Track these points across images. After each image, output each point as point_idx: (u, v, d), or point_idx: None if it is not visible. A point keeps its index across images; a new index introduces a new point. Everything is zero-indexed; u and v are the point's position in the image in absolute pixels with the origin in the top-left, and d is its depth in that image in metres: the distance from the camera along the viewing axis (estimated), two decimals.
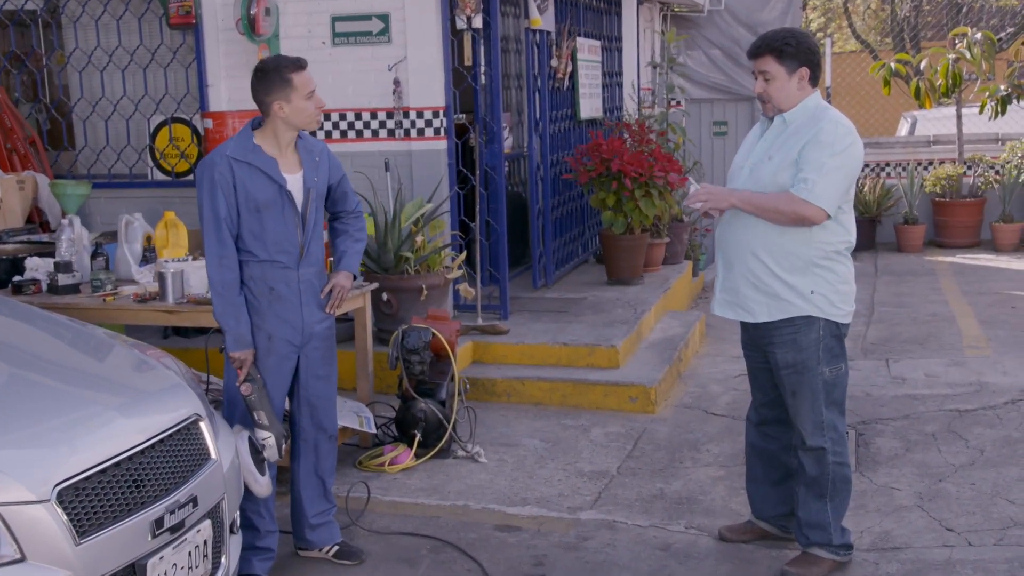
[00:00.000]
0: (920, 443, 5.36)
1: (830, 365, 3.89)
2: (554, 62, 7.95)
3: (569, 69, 8.22)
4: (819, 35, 21.49)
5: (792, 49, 3.79)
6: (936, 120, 12.91)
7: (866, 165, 12.19)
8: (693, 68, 11.78)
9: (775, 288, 3.85)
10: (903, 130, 14.04)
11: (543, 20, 7.46)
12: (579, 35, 8.43)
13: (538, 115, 7.80)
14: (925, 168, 12.07)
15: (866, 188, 11.87)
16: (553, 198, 8.06)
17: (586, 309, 7.26)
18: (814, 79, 3.84)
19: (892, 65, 11.31)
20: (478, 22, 6.65)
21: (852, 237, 3.89)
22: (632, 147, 8.05)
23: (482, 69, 7.00)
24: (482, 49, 6.95)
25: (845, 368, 3.94)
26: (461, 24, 6.68)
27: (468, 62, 6.95)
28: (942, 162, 11.98)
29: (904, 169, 12.00)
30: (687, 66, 11.46)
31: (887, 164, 12.26)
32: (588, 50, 8.66)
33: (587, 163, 7.85)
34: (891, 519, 4.45)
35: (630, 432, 5.66)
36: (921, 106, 11.59)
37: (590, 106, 8.78)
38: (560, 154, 8.24)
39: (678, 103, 10.56)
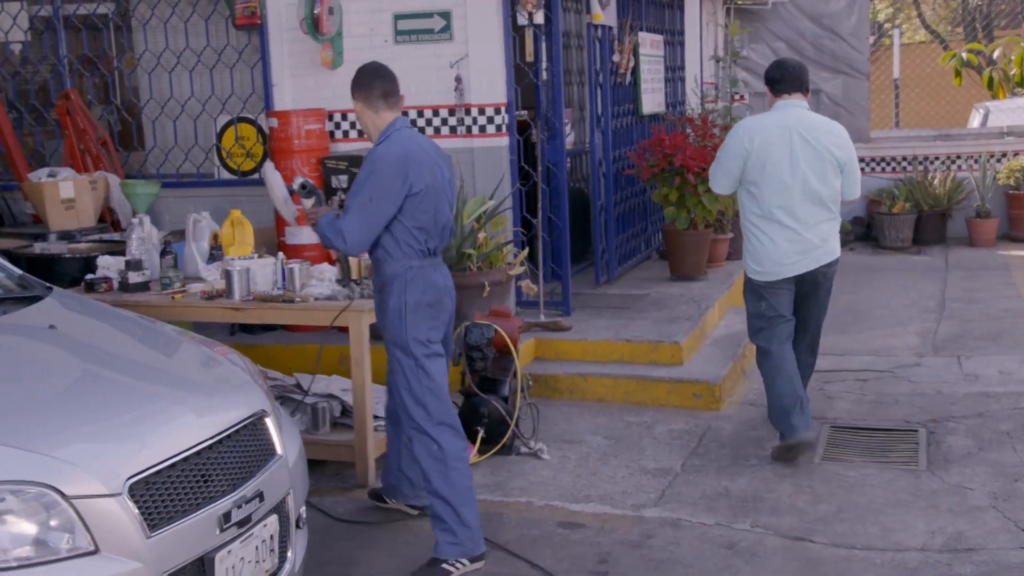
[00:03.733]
0: (994, 442, 5.23)
1: (751, 303, 5.22)
2: (616, 57, 7.90)
3: (631, 64, 8.17)
4: (887, 26, 21.09)
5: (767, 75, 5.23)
6: (1010, 111, 12.57)
7: (936, 158, 11.94)
8: (756, 61, 11.63)
9: None
10: (975, 122, 13.71)
11: (605, 15, 7.42)
12: (641, 30, 8.38)
13: (600, 111, 7.77)
14: (998, 160, 11.76)
15: (936, 181, 11.61)
16: (615, 194, 8.02)
17: (649, 305, 7.21)
18: (774, 91, 5.14)
19: (964, 55, 11.06)
20: (540, 18, 6.63)
21: (761, 210, 5.01)
22: (695, 142, 7.97)
23: (544, 65, 6.98)
24: (544, 45, 6.92)
25: (765, 307, 5.11)
26: (523, 20, 6.67)
27: (530, 58, 6.93)
28: (1016, 154, 11.66)
29: (976, 161, 11.71)
30: (750, 59, 11.32)
31: (958, 157, 11.97)
32: (650, 44, 8.59)
33: (649, 158, 7.79)
34: (964, 520, 4.35)
35: (694, 429, 5.60)
36: (994, 97, 11.32)
37: (652, 101, 8.72)
38: (622, 150, 8.19)
39: (741, 97, 10.43)
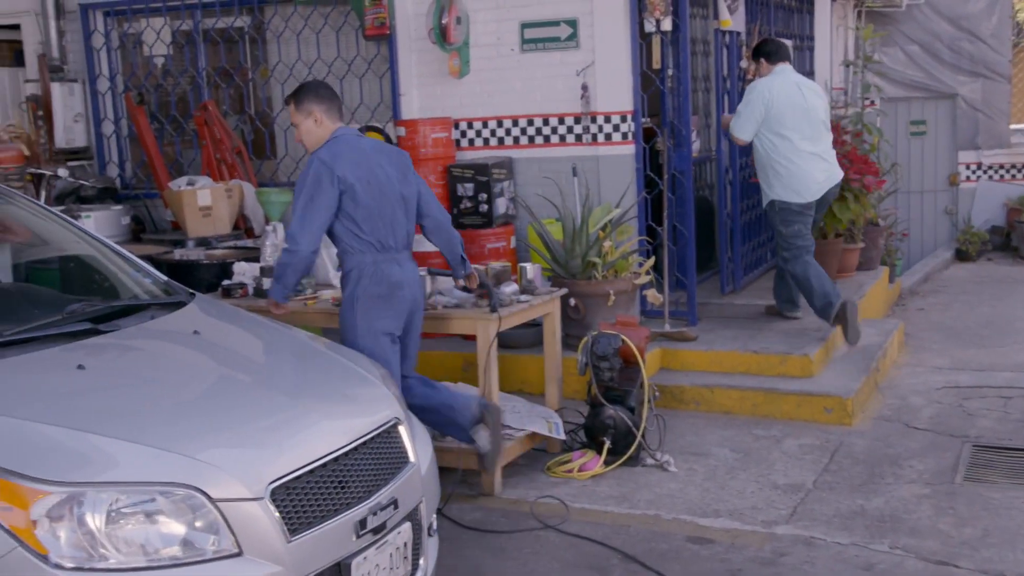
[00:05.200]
0: None
1: (791, 228, 6.55)
2: (744, 63, 7.76)
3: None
4: None
5: (757, 50, 6.79)
6: None
7: None
8: (889, 66, 11.29)
9: None
10: None
11: (733, 20, 7.30)
12: (770, 35, 8.20)
13: None
14: None
15: None
16: (742, 202, 7.87)
17: (776, 316, 7.04)
18: (770, 60, 6.63)
19: None
20: (667, 25, 6.56)
21: (793, 146, 6.46)
22: None
23: (670, 72, 6.90)
24: (670, 52, 6.85)
25: (803, 229, 6.55)
26: (650, 27, 6.60)
27: (656, 65, 6.87)
28: None
29: None
30: (883, 64, 10.99)
31: None
32: None
33: None
34: None
35: (825, 444, 5.45)
36: None
37: None
38: (749, 157, 8.02)
39: (873, 103, 10.12)
